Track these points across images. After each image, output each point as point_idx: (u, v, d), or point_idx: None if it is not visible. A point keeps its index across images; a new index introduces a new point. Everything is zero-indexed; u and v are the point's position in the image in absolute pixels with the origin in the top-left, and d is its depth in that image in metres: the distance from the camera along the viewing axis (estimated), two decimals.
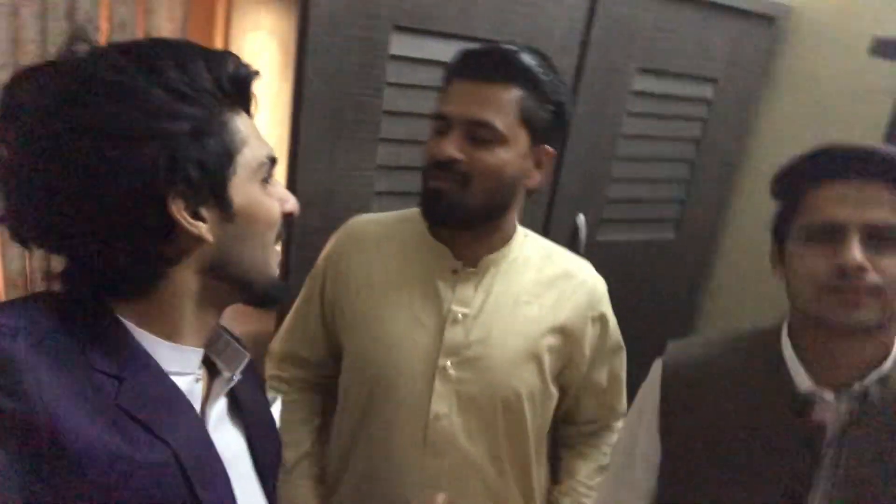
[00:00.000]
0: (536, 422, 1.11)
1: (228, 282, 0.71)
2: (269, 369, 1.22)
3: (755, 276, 1.94)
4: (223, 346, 0.78)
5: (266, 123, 1.40)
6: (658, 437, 0.99)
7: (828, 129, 1.74)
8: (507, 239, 1.10)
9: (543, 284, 1.11)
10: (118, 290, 0.66)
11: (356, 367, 1.11)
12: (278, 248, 0.77)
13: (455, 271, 1.07)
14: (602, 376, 1.18)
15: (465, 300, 1.06)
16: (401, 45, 1.33)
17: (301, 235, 1.34)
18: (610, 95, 1.63)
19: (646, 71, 1.66)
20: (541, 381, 1.09)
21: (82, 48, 0.63)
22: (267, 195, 0.71)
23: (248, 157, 0.68)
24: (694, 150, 1.83)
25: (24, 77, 0.62)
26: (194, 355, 0.72)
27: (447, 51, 1.37)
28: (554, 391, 1.13)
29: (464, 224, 1.04)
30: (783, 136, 1.87)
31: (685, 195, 1.87)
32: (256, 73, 0.72)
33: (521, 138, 1.01)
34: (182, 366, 0.70)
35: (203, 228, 0.65)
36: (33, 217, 0.63)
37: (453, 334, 1.05)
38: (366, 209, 1.38)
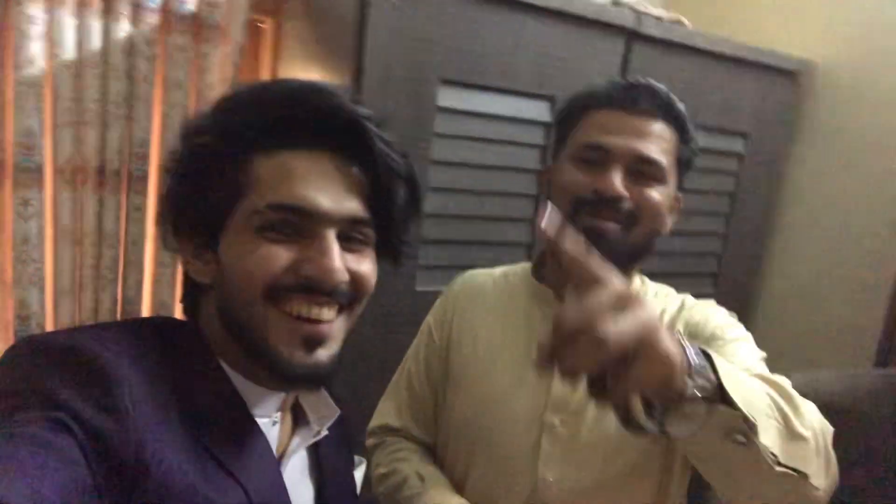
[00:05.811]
0: (659, 476, 0.95)
1: (236, 339, 0.65)
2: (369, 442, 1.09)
3: (792, 330, 1.92)
4: (316, 397, 0.74)
5: None
6: None
7: (858, 181, 1.77)
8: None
9: None
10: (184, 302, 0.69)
11: (456, 427, 1.01)
12: (295, 314, 0.62)
13: None
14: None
15: None
16: (447, 97, 1.38)
17: None
18: None
19: None
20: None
21: None
22: (259, 248, 0.61)
23: (252, 201, 0.61)
24: (728, 204, 1.85)
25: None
26: (275, 398, 0.70)
27: (490, 103, 1.43)
28: None
29: (618, 268, 0.94)
30: (816, 189, 1.88)
31: (722, 249, 1.88)
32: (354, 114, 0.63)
33: (673, 180, 0.95)
34: (261, 407, 0.68)
35: (196, 267, 0.65)
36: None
37: (560, 386, 0.93)
38: (412, 257, 1.40)
